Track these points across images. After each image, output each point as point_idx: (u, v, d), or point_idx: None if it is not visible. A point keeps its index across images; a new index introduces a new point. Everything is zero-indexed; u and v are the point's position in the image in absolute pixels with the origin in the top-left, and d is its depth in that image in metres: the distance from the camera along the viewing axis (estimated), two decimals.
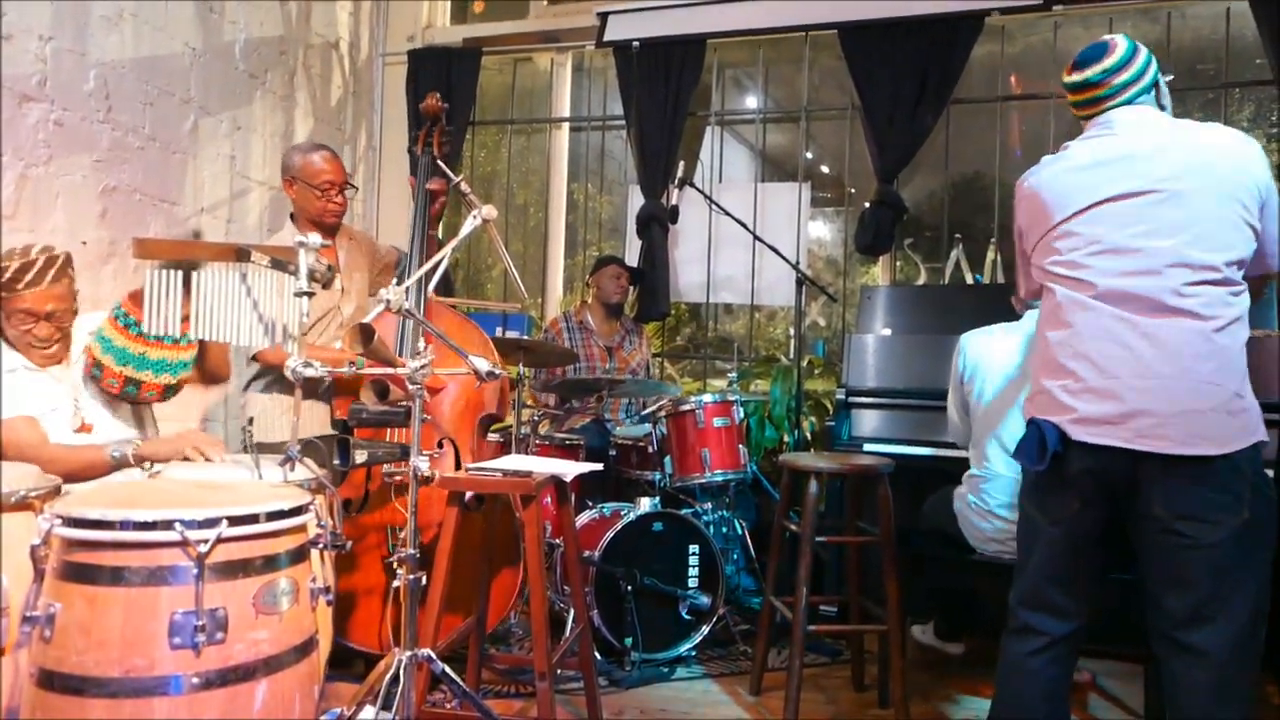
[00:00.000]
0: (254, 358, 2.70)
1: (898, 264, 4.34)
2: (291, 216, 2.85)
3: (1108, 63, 1.84)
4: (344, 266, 2.86)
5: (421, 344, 2.54)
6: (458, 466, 2.59)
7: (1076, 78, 1.88)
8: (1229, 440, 1.64)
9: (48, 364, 2.27)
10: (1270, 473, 2.56)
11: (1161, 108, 1.87)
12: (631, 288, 4.11)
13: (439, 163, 2.87)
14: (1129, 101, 1.83)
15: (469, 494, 2.24)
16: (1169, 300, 1.68)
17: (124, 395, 2.24)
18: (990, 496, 2.49)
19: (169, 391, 2.30)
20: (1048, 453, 1.75)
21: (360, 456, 1.98)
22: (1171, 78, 1.92)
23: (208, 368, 2.46)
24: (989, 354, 2.53)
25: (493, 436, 3.19)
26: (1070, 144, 1.90)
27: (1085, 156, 1.83)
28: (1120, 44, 1.85)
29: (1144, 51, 1.85)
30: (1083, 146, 1.86)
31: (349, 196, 2.83)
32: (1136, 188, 1.74)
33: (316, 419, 2.73)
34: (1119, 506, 1.75)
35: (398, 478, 2.46)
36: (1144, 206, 1.73)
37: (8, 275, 2.17)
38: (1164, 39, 3.78)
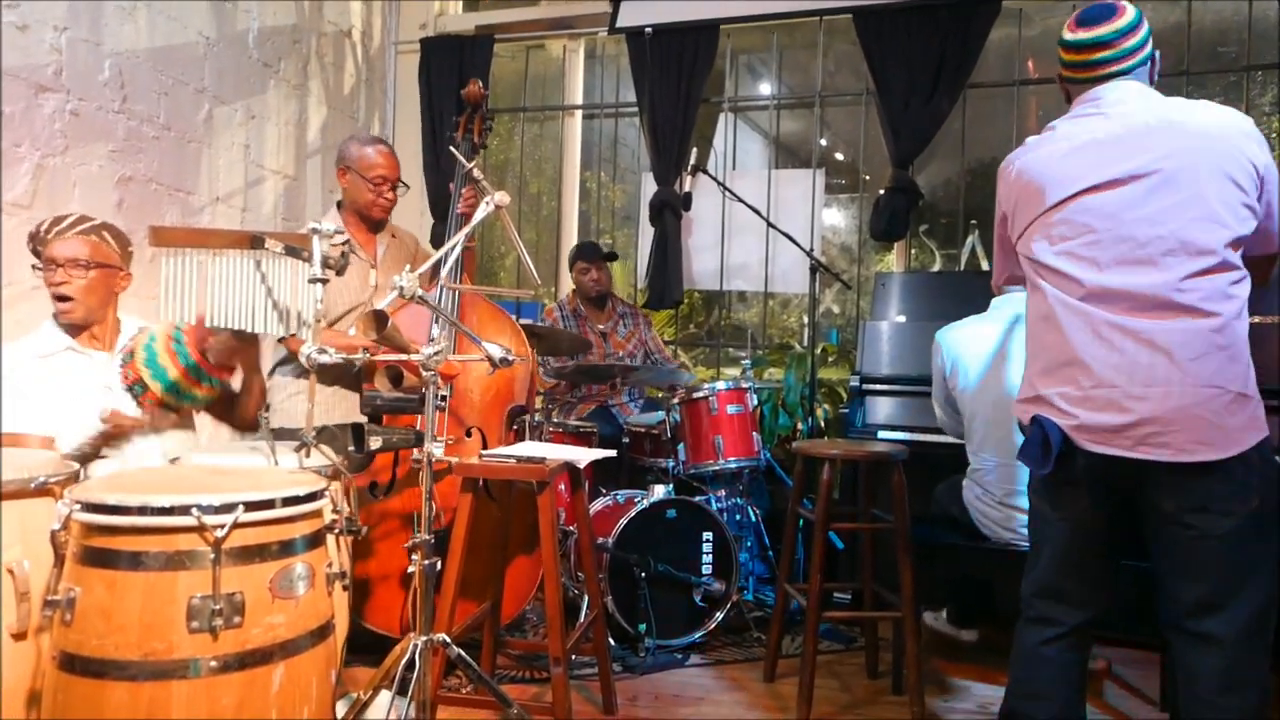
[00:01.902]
0: (281, 340, 2.71)
1: (913, 251, 4.31)
2: (339, 205, 2.92)
3: (1119, 23, 1.74)
4: (382, 263, 2.88)
5: (435, 330, 2.57)
6: None
7: (1084, 35, 1.75)
8: (1233, 443, 1.60)
9: (71, 324, 2.28)
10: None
11: (1150, 83, 1.79)
12: (609, 264, 4.00)
13: (452, 149, 2.84)
14: (1127, 71, 1.74)
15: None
16: (1171, 296, 1.61)
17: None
18: (995, 486, 2.48)
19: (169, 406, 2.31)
20: (1052, 454, 1.69)
21: (375, 443, 1.99)
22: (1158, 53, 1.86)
23: (240, 415, 2.49)
24: (967, 346, 2.53)
25: None
26: (1057, 123, 1.80)
27: (1076, 137, 1.74)
28: (1129, 8, 1.77)
29: (1146, 23, 1.78)
30: (1072, 126, 1.76)
31: (400, 194, 2.89)
32: (1131, 171, 1.66)
33: (345, 403, 2.75)
34: (1127, 500, 1.73)
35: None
36: (1139, 191, 1.65)
37: (41, 230, 2.26)
38: (1184, 21, 3.73)
